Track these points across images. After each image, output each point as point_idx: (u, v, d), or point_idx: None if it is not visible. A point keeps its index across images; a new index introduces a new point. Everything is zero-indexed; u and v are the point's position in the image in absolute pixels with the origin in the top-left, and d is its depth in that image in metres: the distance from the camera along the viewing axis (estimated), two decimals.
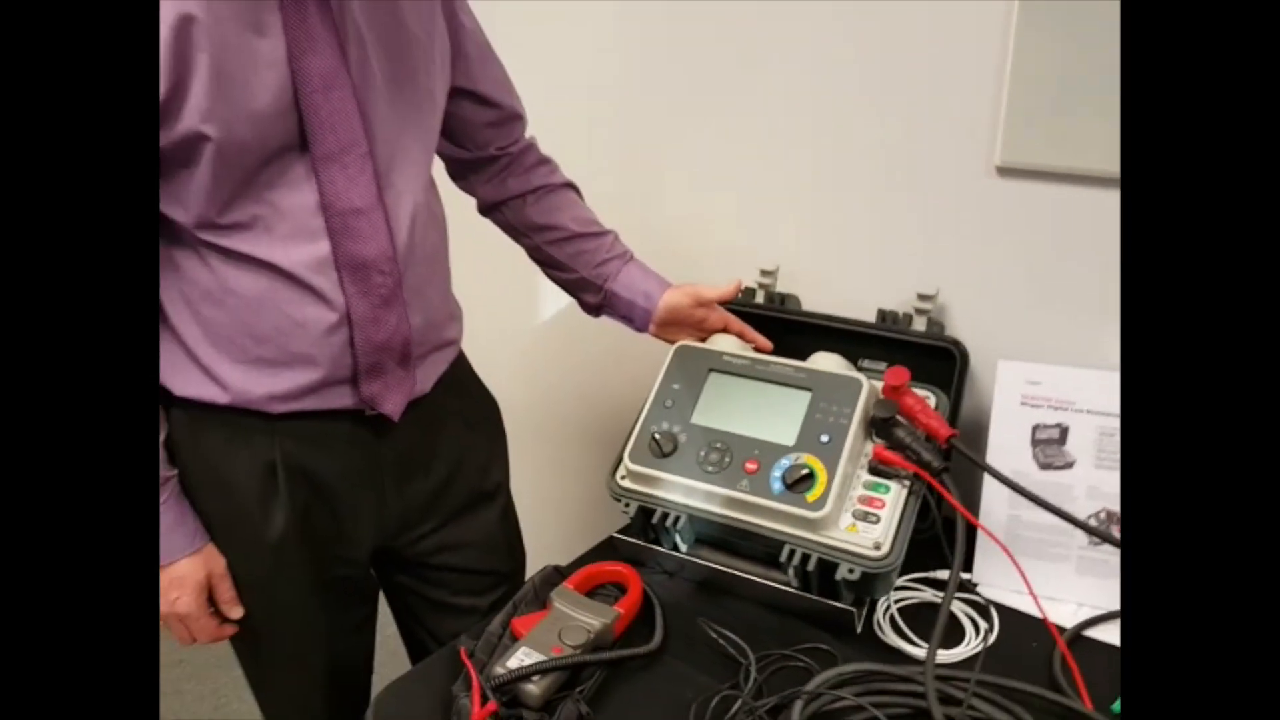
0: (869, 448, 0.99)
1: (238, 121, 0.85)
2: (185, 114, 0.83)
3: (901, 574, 1.03)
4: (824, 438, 0.97)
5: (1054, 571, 1.02)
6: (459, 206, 1.16)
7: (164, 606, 0.99)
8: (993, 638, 0.96)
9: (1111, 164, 0.98)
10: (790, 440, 0.99)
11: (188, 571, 0.98)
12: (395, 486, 1.06)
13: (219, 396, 0.95)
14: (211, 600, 1.03)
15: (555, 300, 1.52)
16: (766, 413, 1.02)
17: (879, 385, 1.01)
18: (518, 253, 1.22)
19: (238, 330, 0.93)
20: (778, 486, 0.96)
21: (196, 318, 0.93)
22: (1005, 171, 1.06)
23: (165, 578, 0.98)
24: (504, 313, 1.62)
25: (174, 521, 0.98)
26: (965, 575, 1.04)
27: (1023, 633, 0.96)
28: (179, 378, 0.96)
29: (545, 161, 1.21)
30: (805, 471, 0.95)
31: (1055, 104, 1.00)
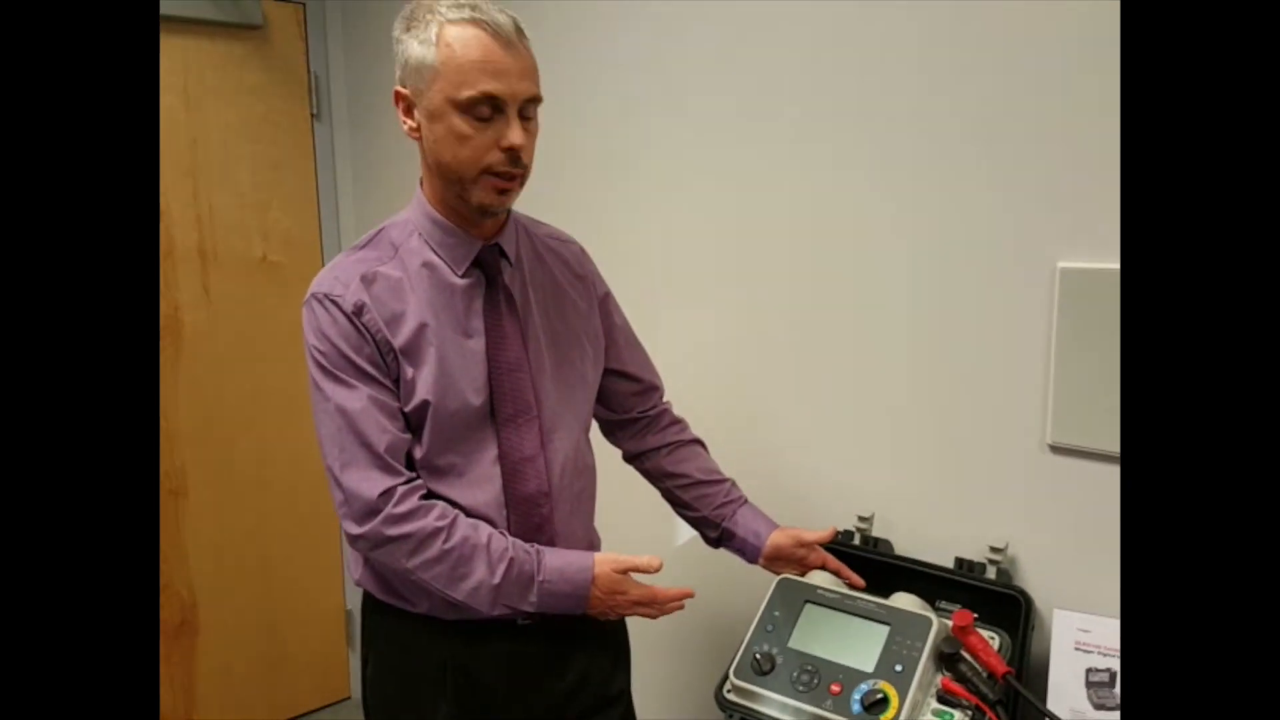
0: (938, 679, 1.16)
1: (451, 395, 1.18)
2: (419, 389, 1.17)
3: None
4: (898, 667, 1.15)
5: None
6: (610, 456, 1.44)
7: (623, 609, 1.23)
8: None
9: None
10: (870, 667, 1.17)
11: (601, 572, 1.21)
12: (537, 686, 1.29)
13: (410, 607, 1.23)
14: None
15: (682, 533, 1.76)
16: (851, 642, 1.20)
17: (950, 624, 1.19)
18: (655, 493, 1.49)
19: None
20: (857, 708, 1.13)
21: None
22: (1057, 449, 1.26)
23: (599, 592, 1.20)
24: (639, 542, 1.86)
25: (564, 558, 1.21)
26: None
27: None
28: (381, 587, 1.25)
29: (677, 421, 1.49)
30: (880, 696, 1.12)
31: (1096, 396, 1.21)
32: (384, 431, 1.15)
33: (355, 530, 1.15)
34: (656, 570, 1.22)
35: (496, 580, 1.16)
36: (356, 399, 1.15)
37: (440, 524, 1.15)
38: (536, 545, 1.21)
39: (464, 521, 1.18)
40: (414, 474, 1.19)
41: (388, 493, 1.14)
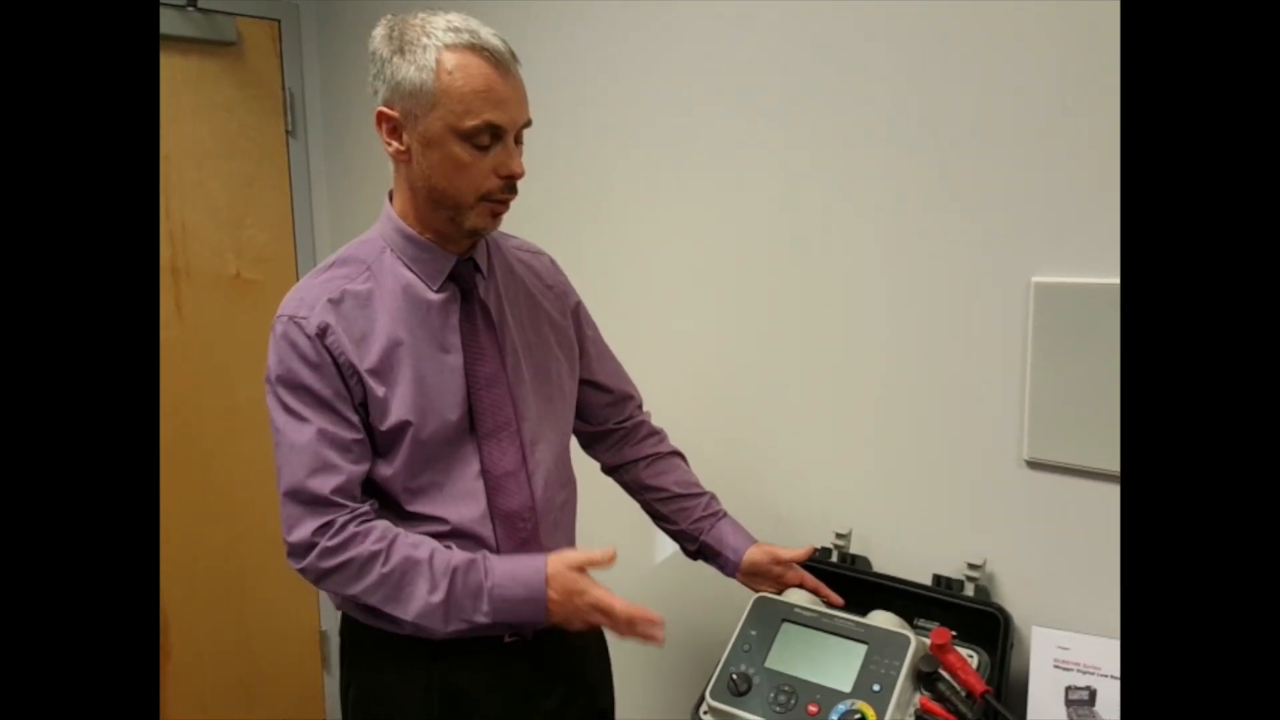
0: (916, 698, 1.15)
1: (430, 413, 1.17)
2: (394, 408, 1.15)
3: None
4: (876, 687, 1.14)
5: None
6: (588, 469, 1.43)
7: (584, 613, 1.13)
8: None
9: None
10: (847, 687, 1.15)
11: (554, 571, 1.14)
12: (525, 703, 1.27)
13: (396, 629, 1.20)
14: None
15: (663, 546, 1.75)
16: (828, 661, 1.19)
17: (928, 642, 1.18)
18: (634, 505, 1.47)
19: None
20: None
21: None
22: (1034, 464, 1.26)
23: (555, 593, 1.13)
24: (618, 555, 1.85)
25: (514, 561, 1.15)
26: None
27: None
28: (364, 611, 1.22)
29: (655, 432, 1.48)
30: (858, 716, 1.11)
31: (1072, 411, 1.21)
32: (328, 469, 1.13)
33: (295, 565, 1.15)
34: (610, 561, 1.16)
35: (441, 596, 1.12)
36: (305, 433, 1.13)
37: (377, 548, 1.13)
38: (486, 552, 1.17)
39: (405, 541, 1.14)
40: (360, 504, 1.16)
41: (324, 527, 1.12)
